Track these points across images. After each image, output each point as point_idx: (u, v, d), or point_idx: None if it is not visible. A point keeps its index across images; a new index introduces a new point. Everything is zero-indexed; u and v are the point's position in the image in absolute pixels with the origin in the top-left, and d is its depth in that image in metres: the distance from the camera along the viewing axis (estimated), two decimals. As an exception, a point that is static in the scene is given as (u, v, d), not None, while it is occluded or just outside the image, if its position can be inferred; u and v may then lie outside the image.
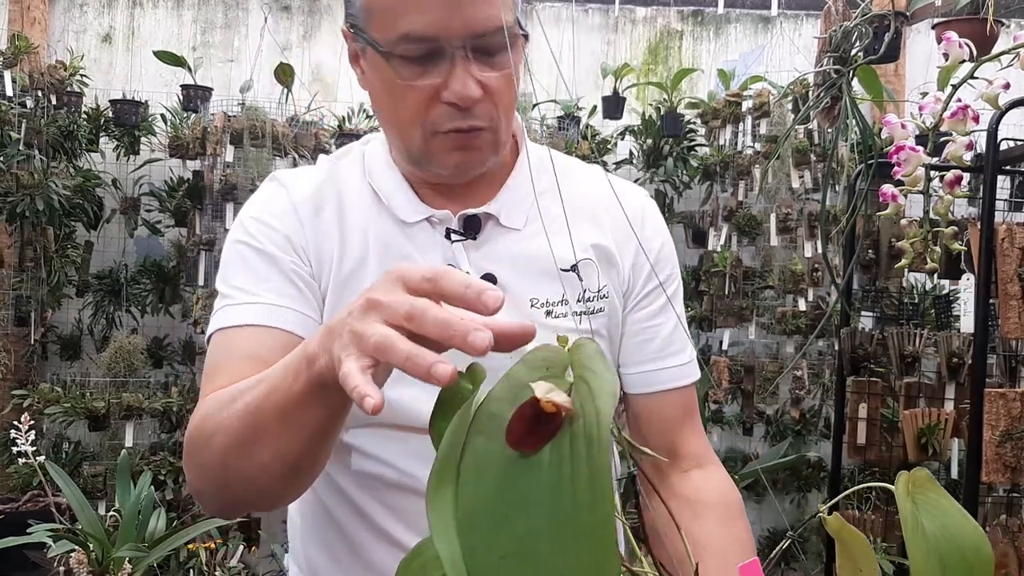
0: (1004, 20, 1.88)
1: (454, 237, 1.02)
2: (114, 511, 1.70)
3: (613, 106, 3.98)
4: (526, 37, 0.98)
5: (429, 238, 1.03)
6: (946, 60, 0.86)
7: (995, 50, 0.89)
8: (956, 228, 0.86)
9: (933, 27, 2.47)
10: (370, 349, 0.61)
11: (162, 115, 3.89)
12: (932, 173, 0.86)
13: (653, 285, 1.10)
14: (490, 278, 1.02)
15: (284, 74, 3.78)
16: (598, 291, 1.06)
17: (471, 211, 1.03)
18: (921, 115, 0.86)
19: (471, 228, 1.03)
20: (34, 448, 1.61)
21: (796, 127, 3.36)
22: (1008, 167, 2.60)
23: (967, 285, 2.48)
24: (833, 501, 0.70)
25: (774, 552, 0.70)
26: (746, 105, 3.82)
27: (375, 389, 0.59)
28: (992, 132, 2.16)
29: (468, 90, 0.91)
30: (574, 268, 1.04)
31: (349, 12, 0.97)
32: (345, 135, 3.85)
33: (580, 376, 0.53)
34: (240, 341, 0.96)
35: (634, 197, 1.13)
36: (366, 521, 1.03)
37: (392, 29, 0.91)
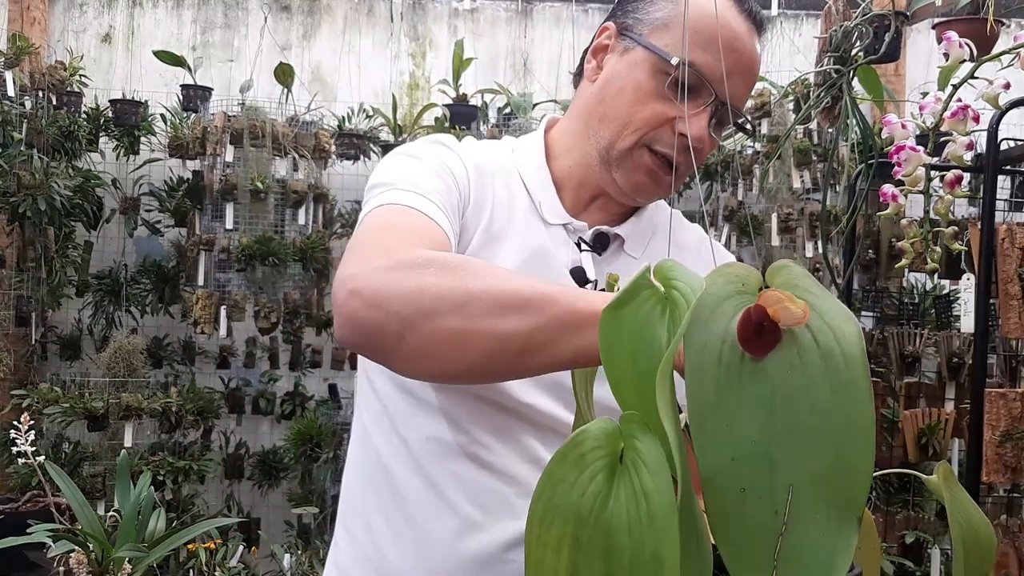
0: (1004, 20, 1.88)
1: (584, 247, 1.09)
2: (114, 511, 1.70)
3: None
4: (747, 132, 1.14)
5: (563, 240, 1.09)
6: (946, 60, 0.86)
7: (995, 50, 0.89)
8: (956, 228, 0.86)
9: (933, 27, 2.47)
10: None
11: (162, 115, 3.89)
12: (932, 173, 0.86)
13: None
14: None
15: (284, 74, 3.78)
16: None
17: (605, 228, 1.10)
18: (921, 115, 0.86)
19: (599, 243, 1.10)
20: (34, 448, 1.60)
21: (797, 127, 3.36)
22: (1008, 167, 2.59)
23: (967, 285, 2.48)
24: None
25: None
26: (747, 105, 3.82)
27: None
28: (992, 132, 2.16)
29: (703, 135, 1.03)
30: None
31: (629, 12, 1.07)
32: (345, 135, 3.85)
33: (796, 295, 0.52)
34: (412, 218, 0.96)
35: (730, 258, 1.21)
36: (431, 488, 1.04)
37: (680, 51, 1.01)
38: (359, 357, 1.14)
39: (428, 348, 0.80)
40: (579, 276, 1.07)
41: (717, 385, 0.50)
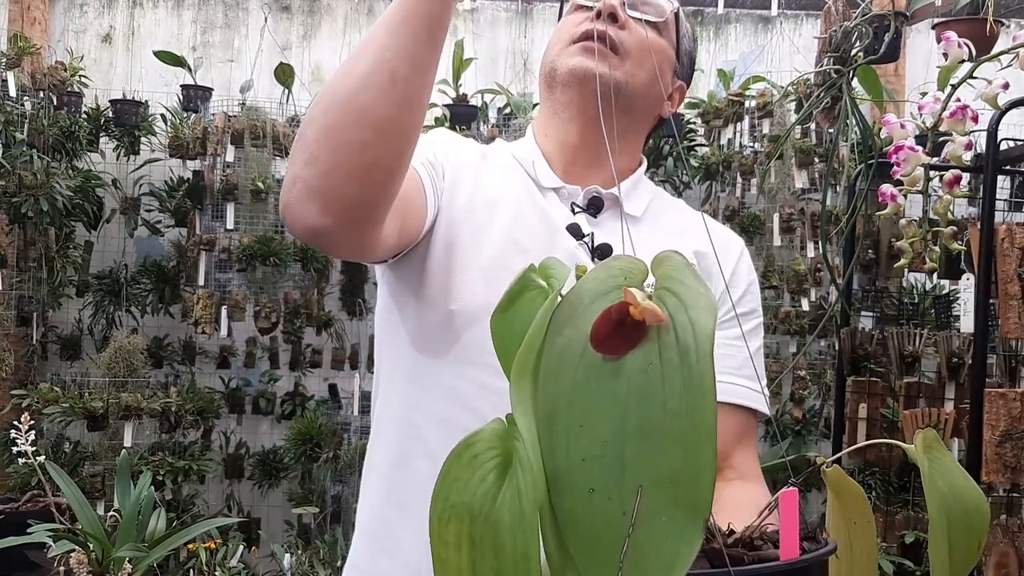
0: (1004, 20, 1.88)
1: (576, 209, 1.13)
2: (114, 511, 1.70)
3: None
4: (678, 20, 1.21)
5: (557, 203, 1.14)
6: (946, 60, 0.86)
7: (995, 50, 0.89)
8: (956, 228, 0.86)
9: (933, 27, 2.47)
10: None
11: (162, 115, 3.89)
12: (931, 173, 0.86)
13: (738, 310, 1.15)
14: (606, 248, 1.10)
15: (284, 74, 3.78)
16: None
17: (598, 189, 1.14)
18: (921, 115, 0.86)
19: (594, 206, 1.14)
20: (34, 448, 1.60)
21: (798, 127, 3.36)
22: (1008, 167, 2.60)
23: (967, 285, 2.48)
24: (836, 456, 0.71)
25: (775, 496, 0.69)
26: (748, 105, 3.82)
27: None
28: (992, 132, 2.16)
29: (611, 3, 1.08)
30: None
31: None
32: (345, 135, 3.84)
33: (666, 288, 0.52)
34: None
35: (732, 236, 1.24)
36: (440, 468, 1.04)
37: None
38: (375, 364, 1.19)
39: (321, 157, 0.84)
40: (575, 232, 1.10)
41: (574, 383, 0.50)
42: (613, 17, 1.09)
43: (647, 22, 1.12)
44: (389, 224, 0.93)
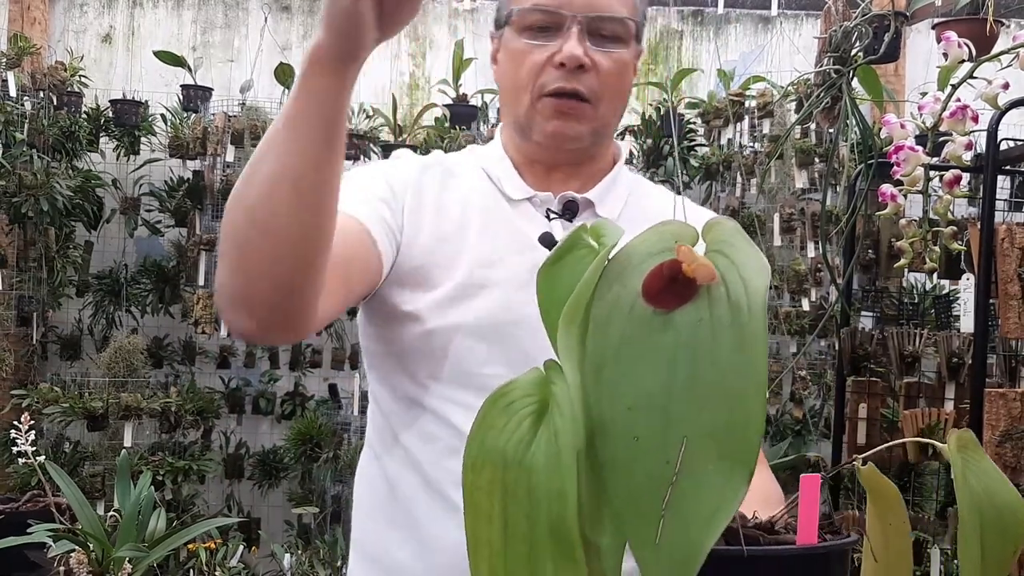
0: (1004, 20, 1.88)
1: (552, 215, 1.11)
2: (114, 511, 1.70)
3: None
4: (638, 38, 1.12)
5: (531, 214, 1.12)
6: (946, 60, 0.86)
7: (995, 50, 0.89)
8: (956, 228, 0.86)
9: (933, 27, 2.47)
10: None
11: (162, 115, 3.89)
12: (932, 173, 0.86)
13: None
14: None
15: (284, 74, 3.78)
16: None
17: (571, 194, 1.12)
18: (921, 115, 0.86)
19: (569, 211, 1.12)
20: (34, 448, 1.60)
21: (798, 127, 3.36)
22: (1008, 167, 2.59)
23: (967, 285, 2.48)
24: (869, 453, 0.70)
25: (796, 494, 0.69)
26: (748, 105, 3.82)
27: None
28: (992, 132, 2.16)
29: (575, 51, 1.03)
30: None
31: (497, 13, 1.13)
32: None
33: (718, 250, 0.52)
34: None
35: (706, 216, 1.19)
36: (431, 488, 1.06)
37: (526, 1, 1.07)
38: (369, 383, 1.18)
39: (239, 269, 0.85)
40: (548, 241, 1.09)
41: (622, 336, 0.50)
42: (581, 66, 1.05)
43: (615, 37, 1.08)
44: (328, 299, 0.92)
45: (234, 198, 0.84)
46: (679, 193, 1.23)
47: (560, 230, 1.10)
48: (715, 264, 0.51)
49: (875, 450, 0.71)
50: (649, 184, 1.26)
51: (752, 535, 0.60)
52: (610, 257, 0.54)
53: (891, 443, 0.85)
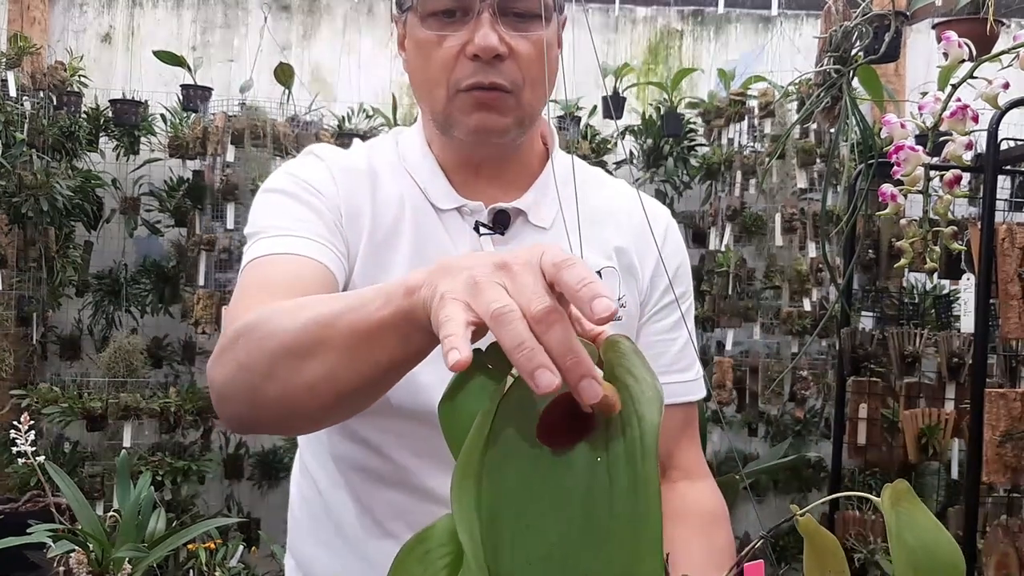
0: (1004, 20, 1.87)
1: (483, 230, 1.03)
2: (114, 511, 1.70)
3: (614, 105, 3.98)
4: (560, 9, 1.00)
5: (459, 227, 1.03)
6: (946, 60, 0.86)
7: (995, 50, 0.89)
8: (956, 228, 0.86)
9: (933, 27, 2.47)
10: (484, 310, 0.53)
11: (162, 115, 3.89)
12: (932, 173, 0.86)
13: (669, 299, 1.10)
14: None
15: (284, 74, 3.78)
16: (618, 300, 1.06)
17: (502, 205, 1.03)
18: (921, 115, 0.86)
19: (500, 223, 1.04)
20: (34, 448, 1.60)
21: (798, 127, 3.36)
22: (1008, 167, 2.59)
23: (967, 285, 2.48)
24: (810, 507, 0.70)
25: (744, 551, 0.69)
26: (749, 104, 3.82)
27: (467, 346, 0.52)
28: (992, 132, 2.16)
29: (489, 41, 0.93)
30: (598, 275, 1.03)
31: None
32: (345, 135, 3.84)
33: (616, 377, 0.51)
34: (280, 267, 0.93)
35: (659, 212, 1.14)
36: (368, 516, 1.04)
37: None
38: None
39: (261, 417, 0.78)
40: None
41: (519, 480, 0.48)
42: (497, 55, 0.94)
43: (532, 15, 0.95)
44: None
45: (270, 333, 0.74)
46: (680, 195, 1.21)
47: (490, 247, 1.02)
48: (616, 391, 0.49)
49: (814, 504, 0.71)
50: (604, 176, 1.16)
51: None
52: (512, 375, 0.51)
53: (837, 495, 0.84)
